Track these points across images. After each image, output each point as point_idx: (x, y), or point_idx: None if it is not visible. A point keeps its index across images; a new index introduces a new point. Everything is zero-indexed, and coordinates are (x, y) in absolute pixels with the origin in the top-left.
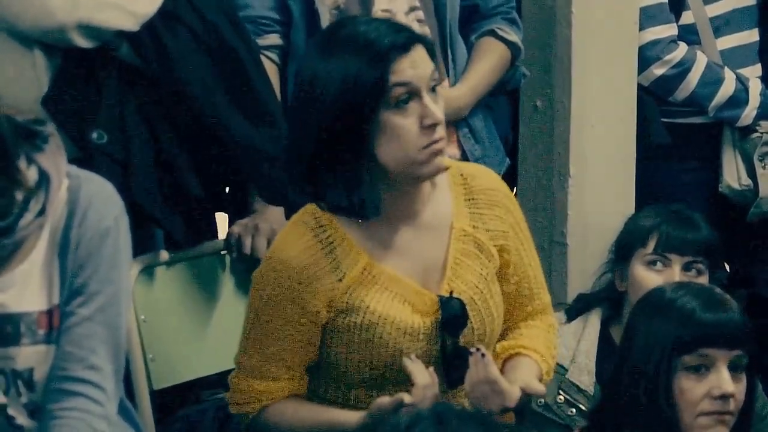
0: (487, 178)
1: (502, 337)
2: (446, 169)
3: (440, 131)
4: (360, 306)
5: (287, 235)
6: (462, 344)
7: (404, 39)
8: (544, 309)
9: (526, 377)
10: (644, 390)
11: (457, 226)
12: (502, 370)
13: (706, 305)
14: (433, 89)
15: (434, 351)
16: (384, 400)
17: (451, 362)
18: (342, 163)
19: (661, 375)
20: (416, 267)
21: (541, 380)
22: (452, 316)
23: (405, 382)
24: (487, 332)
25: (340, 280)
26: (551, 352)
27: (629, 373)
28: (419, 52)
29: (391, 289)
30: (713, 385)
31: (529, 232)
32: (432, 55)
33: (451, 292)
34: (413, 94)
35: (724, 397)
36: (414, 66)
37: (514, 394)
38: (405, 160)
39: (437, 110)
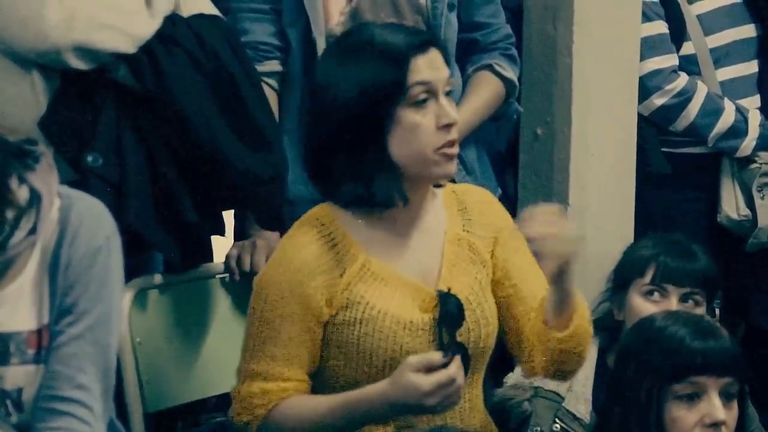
0: (477, 191)
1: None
2: (453, 174)
3: (454, 132)
4: (360, 301)
5: (290, 234)
6: (459, 342)
7: (421, 40)
8: None
9: None
10: (636, 419)
11: (451, 231)
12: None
13: (695, 333)
14: (447, 94)
15: (432, 347)
16: (413, 359)
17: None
18: (358, 160)
19: (653, 404)
20: (414, 267)
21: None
22: (450, 311)
23: None
24: (482, 335)
25: (341, 275)
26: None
27: (621, 402)
28: (435, 55)
29: (391, 284)
30: (705, 413)
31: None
32: (447, 60)
33: (449, 289)
34: (431, 93)
35: (716, 425)
36: (432, 66)
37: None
38: (419, 158)
39: (453, 111)
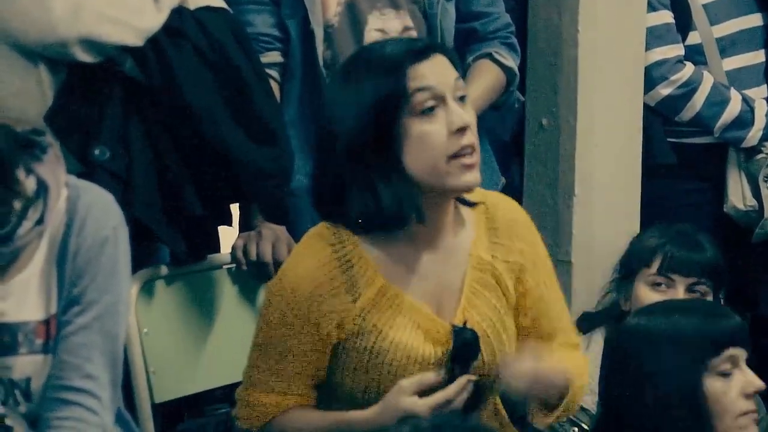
0: (510, 208)
1: None
2: (478, 185)
3: (470, 136)
4: (372, 330)
5: (304, 248)
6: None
7: (421, 46)
8: (573, 347)
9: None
10: (675, 401)
11: (475, 255)
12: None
13: (710, 315)
14: (461, 99)
15: (443, 381)
16: (405, 382)
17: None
18: (372, 177)
19: (690, 383)
20: (432, 292)
21: (562, 397)
22: (464, 347)
23: None
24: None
25: (355, 300)
26: (581, 372)
27: (653, 394)
28: (440, 59)
29: (405, 314)
30: (744, 383)
31: (552, 269)
32: (455, 65)
33: (464, 322)
34: (438, 100)
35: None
36: (435, 71)
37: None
38: (434, 170)
39: (465, 114)
